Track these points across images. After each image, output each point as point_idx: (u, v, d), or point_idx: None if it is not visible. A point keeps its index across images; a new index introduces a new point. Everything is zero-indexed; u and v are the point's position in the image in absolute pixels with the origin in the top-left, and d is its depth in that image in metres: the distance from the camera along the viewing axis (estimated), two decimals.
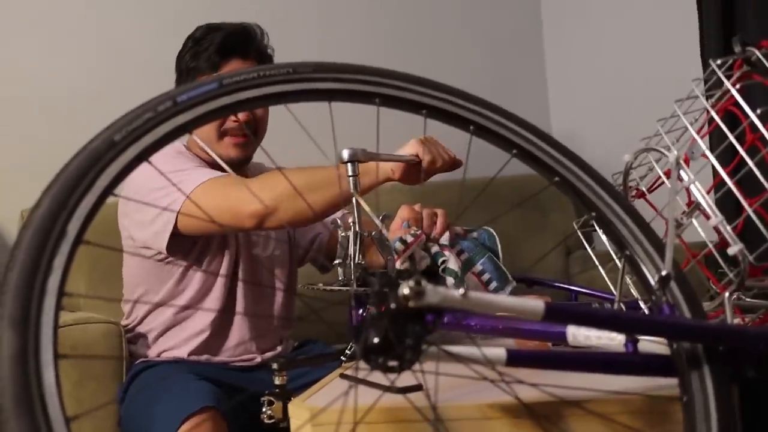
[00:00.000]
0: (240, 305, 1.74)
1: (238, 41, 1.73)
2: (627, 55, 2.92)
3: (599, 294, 1.39)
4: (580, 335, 0.98)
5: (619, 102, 2.93)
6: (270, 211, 1.45)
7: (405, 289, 0.69)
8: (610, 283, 1.19)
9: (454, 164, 1.44)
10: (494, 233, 1.47)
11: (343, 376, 1.06)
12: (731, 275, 0.94)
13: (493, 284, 1.38)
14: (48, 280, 0.66)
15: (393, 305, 0.70)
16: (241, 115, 1.67)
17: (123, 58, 2.54)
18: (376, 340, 0.72)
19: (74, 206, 0.71)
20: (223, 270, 1.72)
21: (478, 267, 1.39)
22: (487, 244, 1.44)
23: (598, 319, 0.78)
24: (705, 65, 2.26)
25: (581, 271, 2.53)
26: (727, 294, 0.88)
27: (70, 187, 0.71)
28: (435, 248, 1.39)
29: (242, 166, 1.77)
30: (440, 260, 1.37)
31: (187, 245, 1.67)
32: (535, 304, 0.74)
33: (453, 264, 1.38)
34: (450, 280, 1.33)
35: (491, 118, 0.94)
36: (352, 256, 1.14)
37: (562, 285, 1.51)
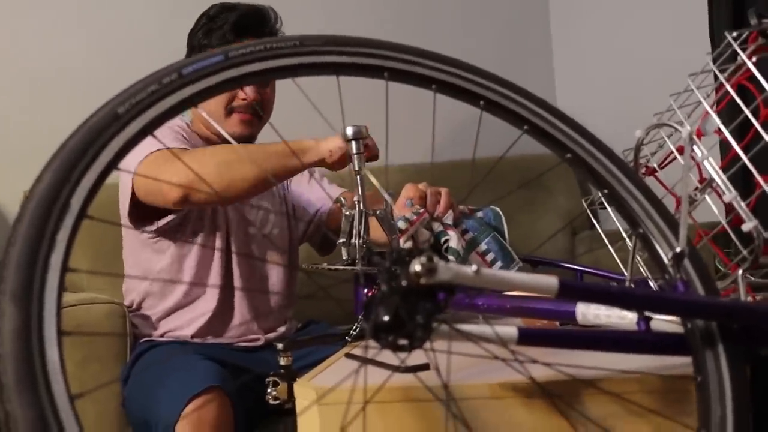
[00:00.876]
0: (238, 282, 1.74)
1: (252, 21, 1.72)
2: (634, 29, 2.89)
3: (606, 274, 1.37)
4: (589, 314, 0.97)
5: (625, 78, 2.90)
6: (192, 185, 1.49)
7: (417, 266, 0.67)
8: (619, 262, 1.17)
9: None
10: (500, 212, 1.45)
11: (348, 355, 1.05)
12: (745, 252, 0.92)
13: (498, 264, 1.36)
14: (51, 254, 0.65)
15: (404, 282, 0.69)
16: (250, 94, 1.67)
17: (127, 38, 2.51)
18: (386, 318, 0.70)
19: (77, 180, 0.69)
20: (218, 248, 1.72)
21: (483, 247, 1.37)
22: (492, 223, 1.42)
23: (612, 297, 0.77)
24: (713, 40, 2.23)
25: (587, 251, 2.52)
26: (740, 271, 0.86)
27: (74, 160, 0.70)
28: (438, 227, 1.37)
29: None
30: (443, 239, 1.35)
31: (158, 217, 1.66)
32: (548, 280, 0.72)
33: (455, 243, 1.35)
34: (452, 260, 1.32)
35: (502, 93, 0.92)
36: (357, 234, 1.12)
37: (568, 265, 1.49)
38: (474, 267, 0.70)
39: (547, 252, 2.59)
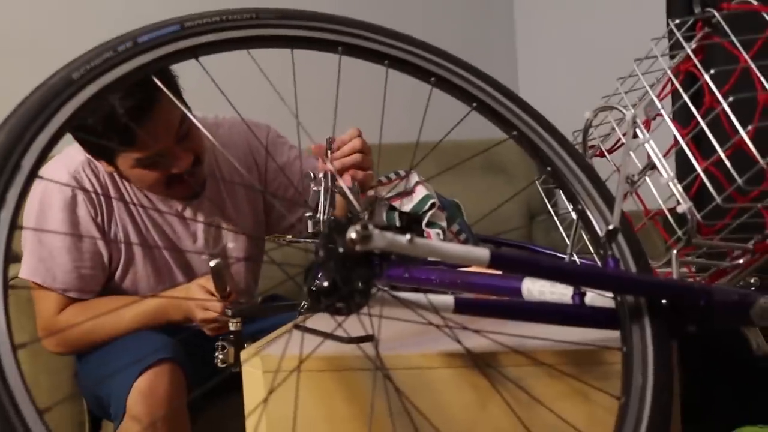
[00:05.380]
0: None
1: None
2: (596, 15, 2.93)
3: (561, 255, 1.41)
4: (534, 290, 1.00)
5: (585, 63, 2.94)
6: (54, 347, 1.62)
7: (352, 233, 0.70)
8: (568, 241, 1.20)
9: None
10: (459, 204, 1.46)
11: (297, 326, 1.08)
12: (680, 233, 0.96)
13: (469, 244, 1.39)
14: (0, 211, 0.67)
15: (341, 249, 0.72)
16: (184, 163, 1.50)
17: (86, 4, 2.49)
18: (324, 283, 0.74)
19: (30, 140, 0.71)
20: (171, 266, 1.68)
21: (456, 226, 1.39)
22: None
23: (541, 269, 0.80)
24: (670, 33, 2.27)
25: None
26: (674, 251, 0.90)
27: (27, 120, 0.72)
28: (418, 199, 1.34)
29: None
30: (424, 209, 1.31)
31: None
32: (480, 251, 0.75)
33: (409, 207, 1.33)
34: (435, 232, 1.32)
35: (452, 71, 0.95)
36: (322, 210, 1.15)
37: (526, 245, 1.53)
38: (408, 236, 0.73)
39: (506, 236, 2.63)
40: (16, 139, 0.71)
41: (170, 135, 1.46)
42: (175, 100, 1.42)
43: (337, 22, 0.92)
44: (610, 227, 0.83)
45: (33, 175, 0.71)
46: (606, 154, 1.11)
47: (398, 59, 0.93)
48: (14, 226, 0.68)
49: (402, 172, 1.38)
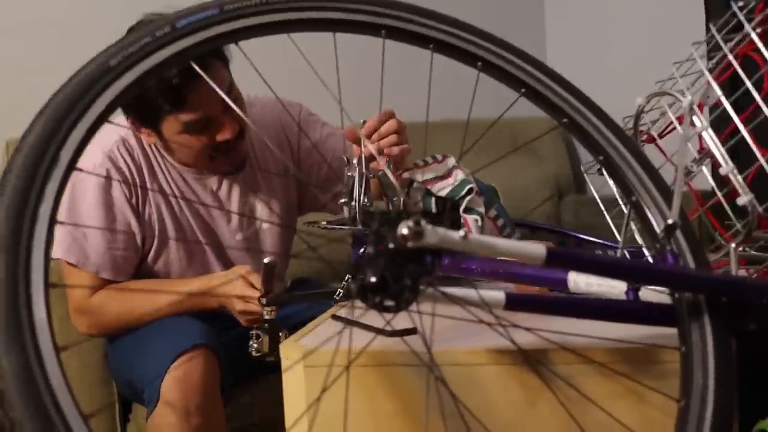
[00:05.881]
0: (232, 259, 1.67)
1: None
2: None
3: (604, 242, 1.37)
4: (581, 282, 0.97)
5: (617, 45, 2.86)
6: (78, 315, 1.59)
7: (404, 229, 0.67)
8: (615, 230, 1.17)
9: None
10: (496, 189, 1.42)
11: (335, 317, 1.05)
12: (739, 226, 0.92)
13: (507, 230, 1.35)
14: (40, 206, 0.65)
15: (391, 245, 0.69)
16: (229, 133, 1.49)
17: None
18: (373, 279, 0.71)
19: (67, 133, 0.69)
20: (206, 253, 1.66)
21: (493, 212, 1.34)
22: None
23: (600, 266, 0.77)
24: (708, 8, 2.21)
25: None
26: (733, 245, 0.86)
27: (64, 112, 0.69)
28: (455, 184, 1.29)
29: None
30: (461, 194, 1.27)
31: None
32: (536, 248, 0.72)
33: (447, 191, 1.29)
34: (473, 219, 1.27)
35: (500, 55, 0.91)
36: (357, 197, 1.12)
37: (565, 231, 1.49)
38: (461, 232, 0.70)
39: (532, 218, 2.58)
40: (53, 131, 0.68)
41: (218, 100, 1.45)
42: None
43: (380, 4, 0.88)
44: (669, 221, 0.79)
45: (71, 168, 0.68)
46: (658, 140, 1.06)
47: (444, 43, 0.90)
48: (54, 220, 0.65)
49: (439, 156, 1.34)
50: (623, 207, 0.95)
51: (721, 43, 0.99)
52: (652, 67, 1.10)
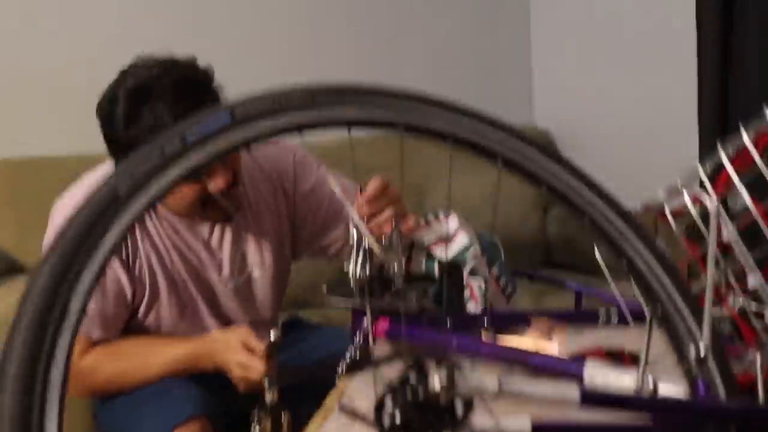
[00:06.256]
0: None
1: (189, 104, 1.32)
2: (620, 66, 2.82)
3: (604, 295, 1.34)
4: (598, 376, 0.94)
5: (614, 107, 2.84)
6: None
7: (436, 384, 0.64)
8: (615, 291, 1.12)
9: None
10: (498, 243, 1.37)
11: (342, 409, 1.02)
12: (765, 338, 0.89)
13: (509, 290, 1.32)
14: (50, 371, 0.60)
15: (420, 397, 0.66)
16: (222, 182, 1.43)
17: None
18: (398, 421, 0.68)
19: (75, 278, 0.64)
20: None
21: (495, 271, 1.31)
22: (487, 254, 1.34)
23: (634, 405, 0.74)
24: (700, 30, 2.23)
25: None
26: (758, 354, 0.84)
27: (71, 254, 0.64)
28: (459, 248, 1.26)
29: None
30: (464, 259, 1.23)
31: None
32: (570, 390, 0.69)
33: (442, 252, 1.26)
34: (477, 286, 1.23)
35: (522, 153, 0.87)
36: (351, 270, 1.07)
37: (565, 282, 1.46)
38: (497, 381, 0.66)
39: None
40: (59, 279, 0.63)
41: None
42: None
43: (396, 96, 0.83)
44: (702, 353, 0.75)
45: (80, 319, 0.63)
46: (671, 220, 1.02)
47: (462, 139, 0.86)
48: (65, 387, 0.60)
49: (441, 214, 1.30)
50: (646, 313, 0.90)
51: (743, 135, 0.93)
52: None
